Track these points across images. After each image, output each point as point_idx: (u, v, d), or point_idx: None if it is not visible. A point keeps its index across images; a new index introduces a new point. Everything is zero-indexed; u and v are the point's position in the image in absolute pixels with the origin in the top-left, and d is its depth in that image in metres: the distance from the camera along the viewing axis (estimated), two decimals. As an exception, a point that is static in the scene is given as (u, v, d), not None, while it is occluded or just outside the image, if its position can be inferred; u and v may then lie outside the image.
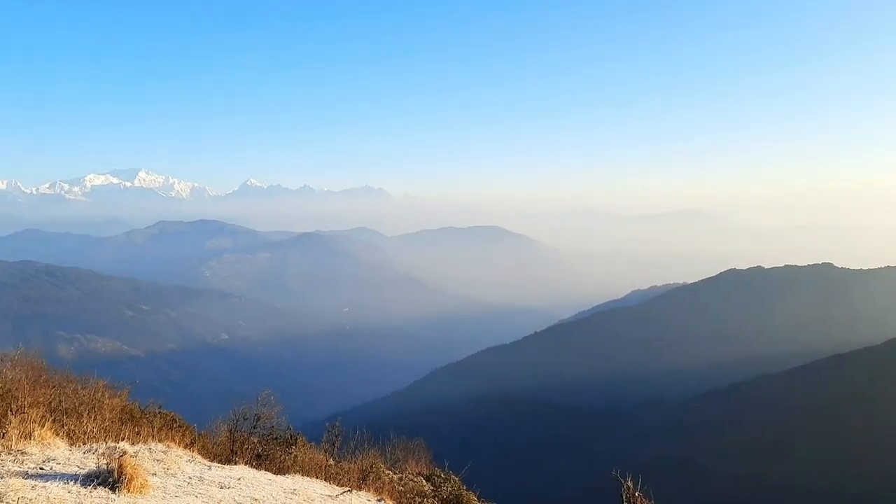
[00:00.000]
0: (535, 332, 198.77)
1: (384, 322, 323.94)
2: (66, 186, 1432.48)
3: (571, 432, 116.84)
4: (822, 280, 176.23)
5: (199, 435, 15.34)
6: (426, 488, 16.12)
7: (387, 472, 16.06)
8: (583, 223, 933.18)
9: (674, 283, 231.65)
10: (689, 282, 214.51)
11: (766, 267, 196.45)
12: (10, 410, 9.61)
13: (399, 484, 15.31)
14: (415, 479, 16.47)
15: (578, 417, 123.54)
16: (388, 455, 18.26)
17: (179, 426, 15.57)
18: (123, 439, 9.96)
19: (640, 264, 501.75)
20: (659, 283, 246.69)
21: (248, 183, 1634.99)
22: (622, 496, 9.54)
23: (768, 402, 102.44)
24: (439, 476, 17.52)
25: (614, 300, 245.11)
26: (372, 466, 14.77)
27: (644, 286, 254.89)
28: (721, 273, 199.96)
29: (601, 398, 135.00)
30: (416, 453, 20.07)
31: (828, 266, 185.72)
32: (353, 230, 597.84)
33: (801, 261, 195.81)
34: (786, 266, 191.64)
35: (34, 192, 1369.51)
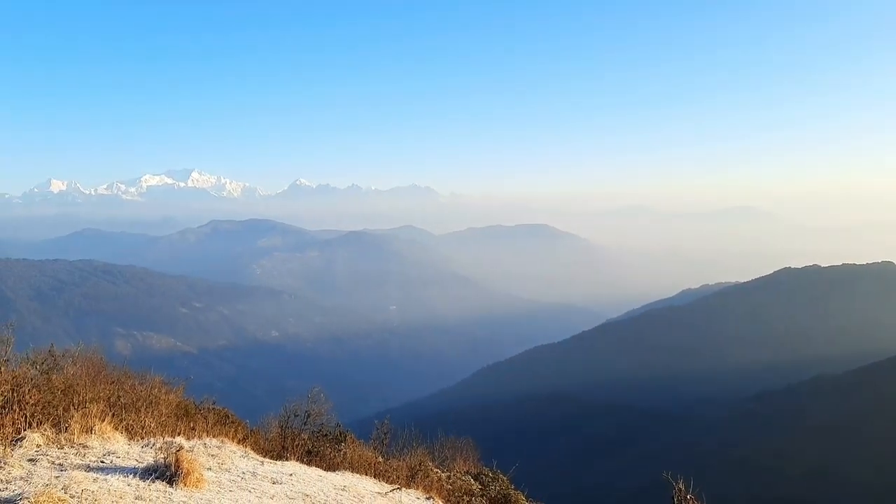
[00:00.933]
0: (584, 331, 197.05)
1: (431, 320, 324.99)
2: (123, 187, 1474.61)
3: (621, 432, 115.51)
4: (882, 279, 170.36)
5: (252, 431, 15.61)
6: (474, 487, 16.12)
7: (435, 470, 16.11)
8: (633, 221, 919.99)
9: (726, 282, 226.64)
10: (743, 281, 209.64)
11: (822, 266, 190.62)
12: (73, 405, 9.93)
13: (447, 482, 15.34)
14: (463, 478, 16.48)
15: (628, 417, 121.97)
16: (437, 453, 18.32)
17: (232, 422, 15.87)
18: (179, 434, 10.21)
19: (691, 262, 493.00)
20: (711, 282, 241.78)
21: (298, 182, 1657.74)
22: (674, 497, 9.39)
23: (825, 404, 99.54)
24: (487, 475, 17.50)
25: (665, 299, 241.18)
26: (420, 464, 14.84)
27: (695, 285, 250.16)
28: (776, 272, 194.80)
29: (651, 398, 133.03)
30: (464, 452, 20.07)
31: (888, 264, 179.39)
32: (400, 228, 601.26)
33: (860, 259, 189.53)
34: (843, 265, 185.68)
35: (93, 192, 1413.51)
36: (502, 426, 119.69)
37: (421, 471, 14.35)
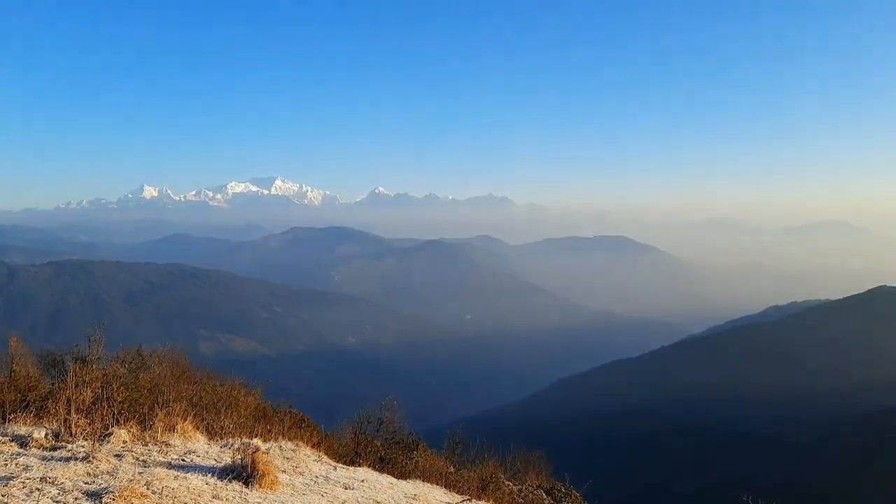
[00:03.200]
0: (663, 346, 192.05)
1: (506, 330, 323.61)
2: (210, 194, 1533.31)
3: (699, 453, 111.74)
4: None
5: (326, 435, 15.85)
6: (546, 502, 15.89)
7: (507, 482, 15.97)
8: (718, 234, 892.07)
9: (817, 300, 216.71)
10: (835, 298, 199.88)
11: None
12: (157, 404, 10.32)
13: (519, 496, 15.18)
14: (535, 492, 16.28)
15: (707, 438, 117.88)
16: (509, 465, 18.17)
17: (307, 426, 16.15)
18: (256, 436, 10.45)
19: (779, 278, 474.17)
20: (800, 299, 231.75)
21: (377, 191, 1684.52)
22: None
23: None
24: (560, 490, 17.24)
25: (750, 315, 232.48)
26: (492, 476, 14.75)
27: (783, 301, 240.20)
28: (871, 290, 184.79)
29: (732, 418, 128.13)
30: (537, 465, 19.85)
31: None
32: (476, 238, 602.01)
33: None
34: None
35: (182, 199, 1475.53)
36: (576, 441, 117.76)
37: (492, 483, 14.25)
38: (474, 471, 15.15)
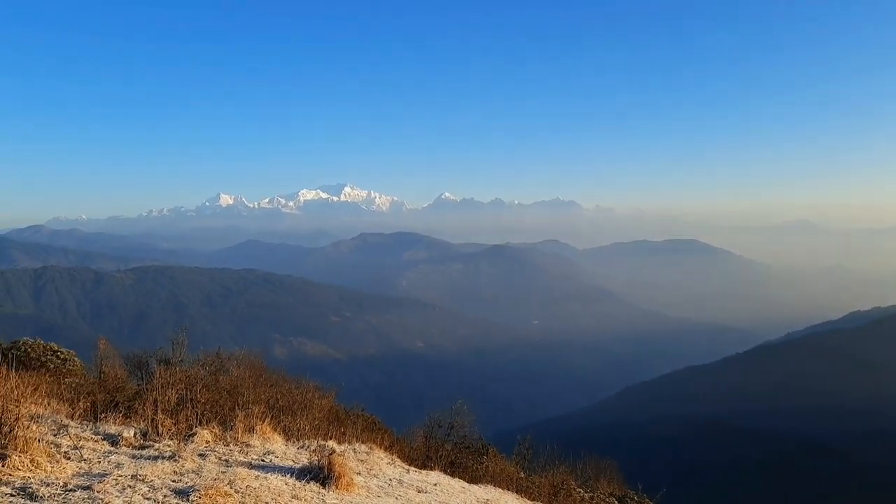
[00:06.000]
0: (738, 353, 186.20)
1: (574, 335, 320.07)
2: (283, 201, 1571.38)
3: (776, 464, 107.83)
4: None
5: (397, 439, 16.04)
6: (618, 510, 15.66)
7: (578, 489, 15.82)
8: (796, 237, 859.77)
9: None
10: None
11: None
12: (237, 405, 10.67)
13: (591, 503, 15.01)
14: (607, 500, 16.07)
15: (784, 448, 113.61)
16: (579, 472, 18.00)
17: (379, 429, 16.39)
18: (331, 438, 10.68)
19: (862, 283, 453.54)
20: (884, 304, 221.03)
21: (443, 196, 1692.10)
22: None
23: None
24: (633, 499, 16.97)
25: (830, 321, 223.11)
26: (563, 483, 14.63)
27: (866, 307, 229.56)
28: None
29: (811, 428, 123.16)
30: (608, 473, 19.61)
31: None
32: (543, 242, 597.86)
33: None
34: None
35: (256, 206, 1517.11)
36: (647, 449, 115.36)
37: (564, 489, 14.14)
38: (545, 477, 15.06)
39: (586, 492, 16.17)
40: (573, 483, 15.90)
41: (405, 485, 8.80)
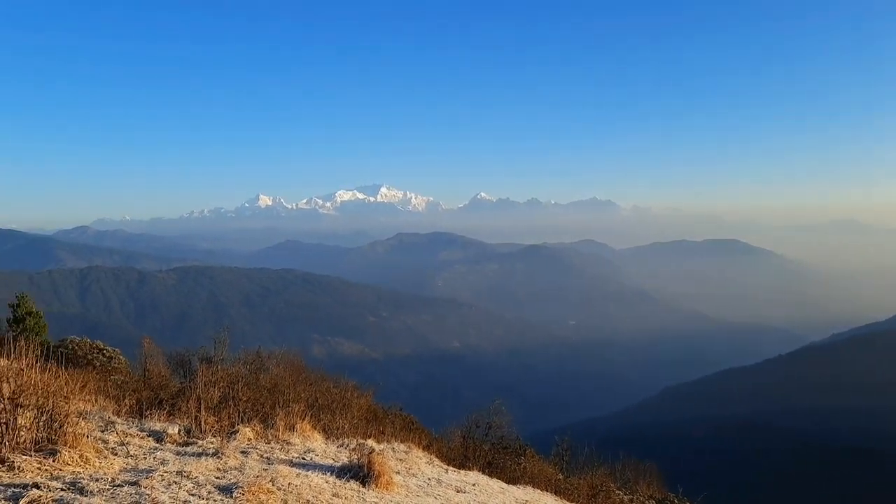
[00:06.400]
0: (781, 355, 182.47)
1: (611, 336, 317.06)
2: (320, 202, 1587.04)
3: (820, 469, 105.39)
4: None
5: (434, 438, 16.09)
6: (659, 513, 15.48)
7: (617, 491, 15.68)
8: (840, 237, 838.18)
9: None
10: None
11: None
12: (277, 404, 10.81)
13: (630, 506, 14.86)
14: (647, 503, 15.90)
15: (828, 453, 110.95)
16: (618, 474, 17.85)
17: (416, 428, 16.46)
18: (370, 437, 10.76)
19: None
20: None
21: (479, 196, 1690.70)
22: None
23: None
24: (672, 502, 16.76)
25: (876, 322, 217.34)
26: (602, 485, 14.51)
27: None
28: None
29: (857, 433, 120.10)
30: (647, 475, 19.41)
31: None
32: (579, 242, 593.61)
33: None
34: None
35: (294, 207, 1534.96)
36: (687, 452, 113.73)
37: (603, 491, 14.02)
38: (583, 478, 14.96)
39: (625, 494, 16.02)
40: (612, 485, 15.76)
41: (444, 484, 8.82)
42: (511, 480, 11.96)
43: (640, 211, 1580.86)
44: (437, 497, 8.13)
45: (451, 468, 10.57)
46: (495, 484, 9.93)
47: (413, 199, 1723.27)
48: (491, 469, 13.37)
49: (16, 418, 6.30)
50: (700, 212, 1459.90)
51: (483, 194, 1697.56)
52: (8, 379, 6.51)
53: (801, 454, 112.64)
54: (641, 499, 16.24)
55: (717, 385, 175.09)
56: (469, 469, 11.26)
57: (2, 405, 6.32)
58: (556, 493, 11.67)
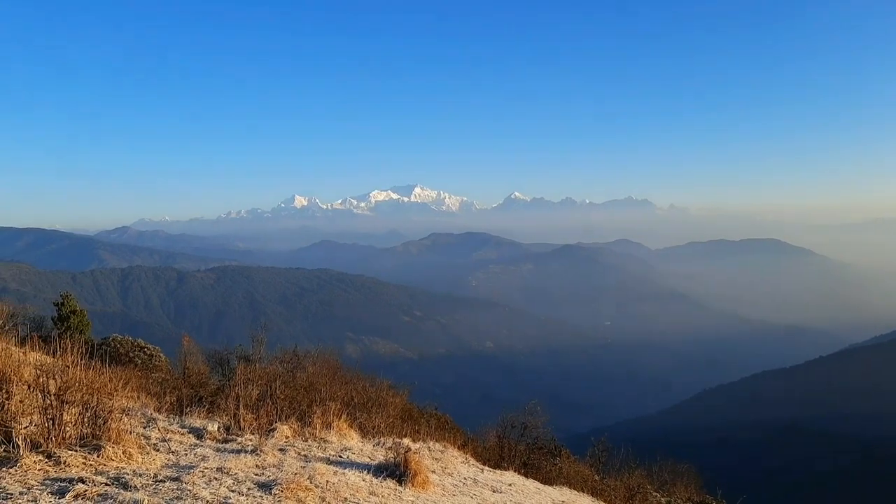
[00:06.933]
0: (821, 357, 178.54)
1: (647, 337, 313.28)
2: (355, 202, 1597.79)
3: (863, 473, 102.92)
4: None
5: (469, 438, 16.06)
6: (697, 516, 15.26)
7: (654, 493, 15.50)
8: (883, 236, 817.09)
9: None
10: None
11: None
12: (314, 402, 10.89)
13: (668, 508, 14.66)
14: (684, 505, 15.67)
15: (872, 457, 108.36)
16: (655, 476, 17.65)
17: (451, 428, 16.45)
18: (405, 436, 10.78)
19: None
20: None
21: (513, 196, 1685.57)
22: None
23: None
24: (711, 505, 16.49)
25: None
26: (639, 487, 14.35)
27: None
28: None
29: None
30: (685, 478, 19.16)
31: None
32: (615, 242, 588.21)
33: None
34: None
35: (329, 207, 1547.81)
36: (726, 455, 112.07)
37: (639, 493, 13.87)
38: (620, 480, 14.81)
39: (663, 496, 15.82)
40: (649, 487, 15.57)
41: (480, 484, 8.80)
42: (547, 481, 11.89)
43: (678, 210, 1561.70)
44: (474, 497, 8.12)
45: (487, 468, 10.54)
46: (531, 484, 9.89)
47: (447, 199, 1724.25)
48: (526, 469, 13.31)
49: (62, 414, 6.45)
50: (739, 211, 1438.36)
51: (517, 194, 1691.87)
52: (54, 375, 6.66)
53: (841, 457, 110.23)
54: (679, 501, 16.02)
55: (755, 388, 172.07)
56: (504, 469, 11.23)
57: (48, 401, 6.48)
58: (592, 495, 11.57)
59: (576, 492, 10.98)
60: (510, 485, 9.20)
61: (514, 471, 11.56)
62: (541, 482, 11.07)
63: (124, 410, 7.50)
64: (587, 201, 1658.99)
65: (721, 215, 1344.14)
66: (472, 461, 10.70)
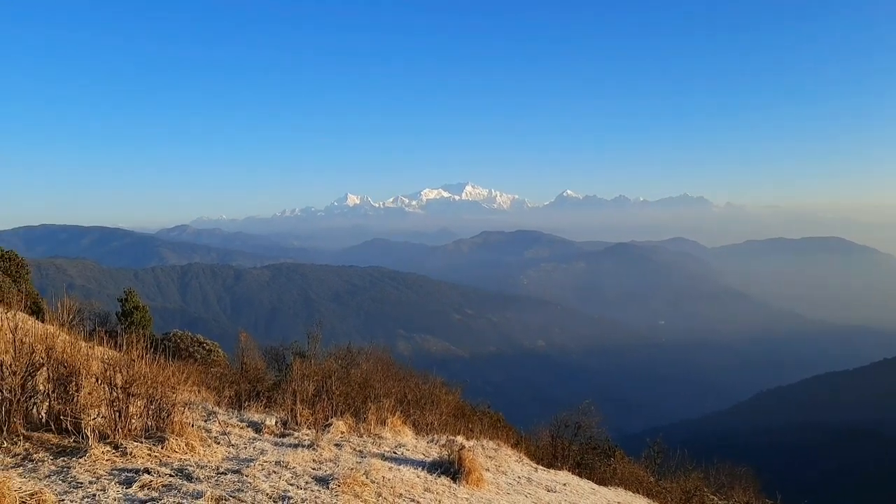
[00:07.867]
0: (886, 359, 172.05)
1: (703, 337, 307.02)
2: (406, 200, 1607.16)
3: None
4: None
5: (522, 437, 16.00)
6: (756, 521, 14.89)
7: (711, 496, 15.20)
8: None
9: None
10: None
11: None
12: (368, 398, 11.01)
13: (726, 512, 14.36)
14: (743, 509, 15.31)
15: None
16: (712, 479, 17.32)
17: (504, 426, 16.41)
18: (459, 434, 10.80)
19: None
20: None
21: (564, 194, 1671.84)
22: None
23: None
24: (771, 510, 16.06)
25: None
26: (696, 489, 14.09)
27: None
28: None
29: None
30: (743, 481, 18.74)
31: None
32: (669, 241, 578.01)
33: None
34: None
35: (381, 205, 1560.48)
36: (785, 458, 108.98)
37: (696, 496, 13.61)
38: (676, 482, 14.56)
39: (720, 499, 15.48)
40: (706, 490, 15.27)
41: (534, 483, 8.76)
42: (601, 481, 11.77)
43: (734, 208, 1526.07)
44: (528, 496, 8.09)
45: (541, 467, 10.49)
46: (586, 484, 9.80)
47: (498, 197, 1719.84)
48: (580, 469, 13.20)
49: (128, 406, 6.66)
50: (798, 209, 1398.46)
51: (569, 192, 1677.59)
52: (120, 369, 6.88)
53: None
54: (738, 505, 15.66)
55: (816, 389, 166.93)
56: (558, 469, 11.15)
57: (115, 394, 6.70)
58: (647, 496, 11.41)
59: (631, 493, 10.84)
60: (565, 484, 9.14)
61: (568, 470, 11.47)
62: (595, 483, 10.96)
63: (186, 404, 7.72)
64: (640, 199, 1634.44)
65: (780, 213, 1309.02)
66: (526, 460, 10.66)
